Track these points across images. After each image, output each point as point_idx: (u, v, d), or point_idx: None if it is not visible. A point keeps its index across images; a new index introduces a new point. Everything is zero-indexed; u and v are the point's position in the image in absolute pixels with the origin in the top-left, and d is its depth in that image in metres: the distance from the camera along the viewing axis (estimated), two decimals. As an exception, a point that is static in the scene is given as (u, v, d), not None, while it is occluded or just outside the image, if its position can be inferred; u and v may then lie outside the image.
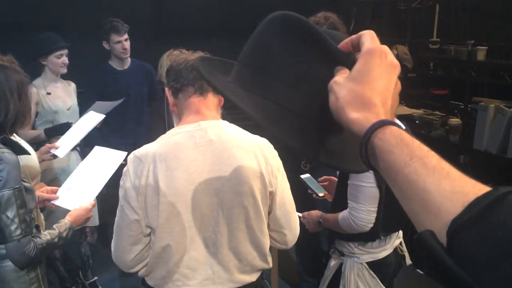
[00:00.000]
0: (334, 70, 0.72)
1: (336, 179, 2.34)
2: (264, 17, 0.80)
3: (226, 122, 1.68)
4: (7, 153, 1.90)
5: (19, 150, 2.01)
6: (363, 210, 1.94)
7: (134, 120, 3.91)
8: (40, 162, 2.65)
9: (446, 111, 4.37)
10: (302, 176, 2.51)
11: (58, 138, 3.13)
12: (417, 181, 0.54)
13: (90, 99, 3.64)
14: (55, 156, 2.82)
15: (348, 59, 0.71)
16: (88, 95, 3.73)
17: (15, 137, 2.50)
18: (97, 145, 3.40)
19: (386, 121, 0.61)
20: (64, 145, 2.84)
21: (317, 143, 0.75)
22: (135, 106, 3.88)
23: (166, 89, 1.70)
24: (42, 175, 3.08)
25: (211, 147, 1.59)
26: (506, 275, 0.44)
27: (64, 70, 3.41)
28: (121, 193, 1.60)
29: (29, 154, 2.25)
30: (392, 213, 1.94)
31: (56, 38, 3.37)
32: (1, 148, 1.92)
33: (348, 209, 2.00)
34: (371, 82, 0.65)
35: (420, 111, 4.42)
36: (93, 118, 2.97)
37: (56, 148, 2.81)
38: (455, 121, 3.79)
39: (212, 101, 1.68)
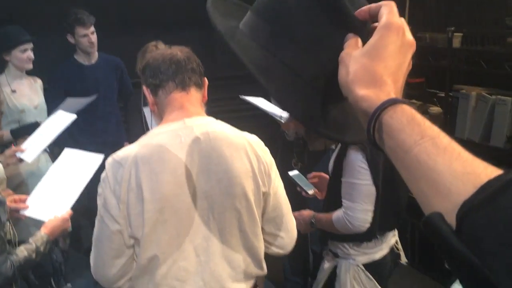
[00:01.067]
0: (346, 37, 0.69)
1: (327, 176, 2.24)
2: None
3: (212, 119, 1.55)
4: None
5: None
6: (360, 210, 1.84)
7: (104, 117, 3.73)
8: (5, 167, 2.46)
9: (423, 99, 4.33)
10: (290, 173, 2.40)
11: (26, 139, 2.94)
12: (427, 161, 0.53)
13: (56, 97, 3.46)
14: (21, 160, 2.62)
15: (363, 28, 0.69)
16: (54, 92, 3.54)
17: None
18: (65, 145, 3.23)
19: (398, 100, 0.59)
20: (32, 148, 2.64)
21: (318, 114, 0.73)
22: (104, 103, 3.69)
23: (144, 87, 1.56)
24: (8, 180, 2.88)
25: (198, 147, 1.46)
26: None
27: (30, 66, 3.20)
28: (99, 201, 1.45)
29: None
30: (389, 211, 1.85)
31: (20, 31, 3.15)
32: None
33: (342, 208, 1.90)
34: (385, 59, 0.63)
35: (398, 100, 4.35)
36: (63, 118, 2.78)
37: (22, 151, 2.62)
38: (435, 109, 3.76)
39: (195, 96, 1.55)
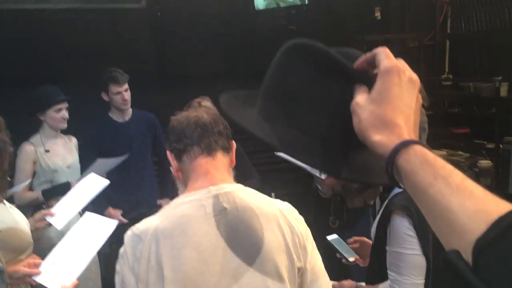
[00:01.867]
0: (354, 89, 0.72)
1: (369, 241, 2.06)
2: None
3: (240, 186, 1.42)
4: None
5: None
6: (408, 284, 1.63)
7: (137, 174, 3.66)
8: (32, 231, 2.39)
9: (470, 151, 4.11)
10: (329, 238, 2.22)
11: (58, 200, 2.88)
12: (442, 201, 0.55)
13: (90, 154, 3.43)
14: (50, 225, 2.54)
15: (365, 77, 0.72)
16: (87, 150, 3.51)
17: (5, 203, 2.25)
18: (98, 202, 3.14)
19: (409, 142, 0.61)
20: (62, 213, 2.56)
21: (342, 162, 0.76)
22: (138, 159, 3.63)
23: (168, 152, 1.47)
24: (37, 243, 2.81)
25: (225, 218, 1.33)
26: None
27: (64, 125, 3.18)
28: (117, 280, 1.32)
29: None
30: (442, 285, 1.64)
31: (55, 91, 3.15)
32: None
33: (389, 281, 1.70)
34: (391, 102, 0.65)
35: (443, 152, 4.15)
36: (96, 183, 2.70)
37: (52, 215, 2.54)
38: (484, 163, 3.52)
39: (222, 161, 1.44)
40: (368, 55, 0.72)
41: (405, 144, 0.61)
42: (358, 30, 5.05)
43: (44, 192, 3.02)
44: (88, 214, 2.28)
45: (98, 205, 3.51)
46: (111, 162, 3.13)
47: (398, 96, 0.66)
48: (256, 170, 3.31)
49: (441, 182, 0.56)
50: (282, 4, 4.64)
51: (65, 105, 3.15)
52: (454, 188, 0.55)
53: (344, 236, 2.96)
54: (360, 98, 0.69)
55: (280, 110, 0.79)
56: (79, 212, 3.02)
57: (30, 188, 3.11)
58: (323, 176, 2.92)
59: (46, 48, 4.10)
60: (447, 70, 5.32)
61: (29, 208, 3.07)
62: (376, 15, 5.47)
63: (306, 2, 4.67)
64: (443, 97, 4.90)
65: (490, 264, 0.48)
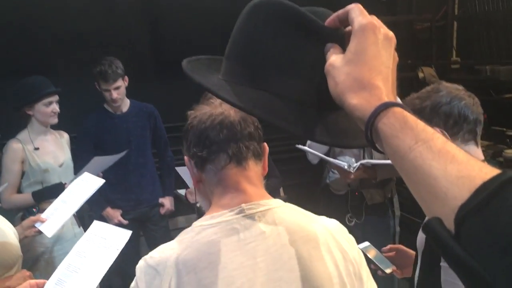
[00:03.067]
0: (325, 48, 0.68)
1: (406, 249, 1.81)
2: None
3: (279, 201, 1.15)
4: None
5: None
6: None
7: (137, 171, 3.39)
8: (21, 240, 2.12)
9: (490, 138, 3.87)
10: (360, 246, 1.95)
11: (50, 202, 2.60)
12: (423, 166, 0.53)
13: (84, 149, 3.18)
14: (41, 232, 2.27)
15: (337, 35, 0.69)
16: (82, 145, 3.25)
17: None
18: (94, 203, 2.84)
19: (388, 104, 0.59)
20: (53, 218, 2.29)
21: (316, 125, 0.72)
22: (137, 155, 3.36)
23: (186, 158, 1.19)
24: (29, 252, 2.54)
25: (264, 244, 1.06)
26: None
27: (55, 120, 2.87)
28: None
29: None
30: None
31: (44, 82, 2.83)
32: None
33: None
34: (368, 62, 0.62)
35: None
36: (90, 183, 2.42)
37: (43, 221, 2.27)
38: (510, 152, 3.27)
39: (254, 171, 1.16)
40: (340, 11, 0.67)
41: (385, 106, 0.58)
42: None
43: (35, 194, 2.74)
44: (97, 223, 2.00)
45: (95, 205, 3.25)
46: (109, 160, 2.85)
47: (375, 55, 0.62)
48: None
49: (422, 146, 0.54)
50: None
51: (55, 98, 2.84)
52: (435, 152, 0.53)
53: (365, 237, 2.72)
54: (335, 59, 0.66)
55: (248, 72, 0.73)
56: (73, 215, 2.76)
57: (19, 190, 2.83)
58: (352, 169, 2.65)
59: (35, 36, 3.78)
60: (455, 53, 5.10)
61: (18, 213, 2.80)
62: (381, -5, 5.22)
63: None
64: (456, 81, 4.64)
65: (473, 232, 0.47)
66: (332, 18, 0.69)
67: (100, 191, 3.03)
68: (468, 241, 0.48)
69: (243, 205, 1.09)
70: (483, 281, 0.46)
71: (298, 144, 2.82)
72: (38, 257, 2.71)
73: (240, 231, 1.06)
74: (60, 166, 2.91)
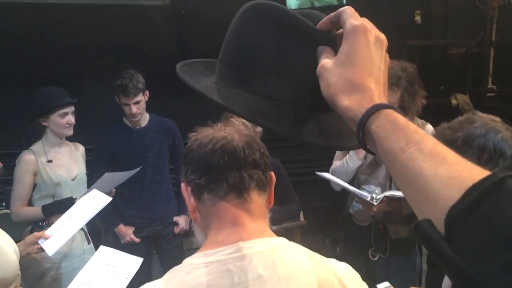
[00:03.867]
0: (317, 51, 0.69)
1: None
2: None
3: (283, 241, 1.02)
4: None
5: None
6: None
7: (152, 187, 3.28)
8: (23, 257, 2.03)
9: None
10: (380, 286, 1.80)
11: (60, 217, 2.52)
12: (414, 167, 0.54)
13: (100, 162, 3.11)
14: (43, 250, 2.17)
15: (328, 37, 0.69)
16: (98, 158, 3.18)
17: None
18: (107, 218, 2.74)
19: (380, 105, 0.59)
20: (56, 236, 2.19)
21: (307, 126, 0.72)
22: (153, 171, 3.26)
23: (183, 185, 1.07)
24: (34, 267, 2.45)
25: None
26: (504, 262, 0.44)
27: (70, 132, 2.79)
28: None
29: None
30: None
31: (60, 92, 2.76)
32: None
33: None
34: (360, 64, 0.63)
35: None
36: (97, 201, 2.32)
37: (47, 237, 2.17)
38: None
39: (257, 204, 1.04)
40: (332, 14, 0.68)
41: (376, 108, 0.59)
42: (398, 33, 4.65)
43: (44, 208, 2.66)
44: (103, 249, 1.90)
45: (108, 221, 3.16)
46: (120, 176, 2.76)
47: (366, 57, 0.63)
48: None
49: (413, 147, 0.54)
50: (317, 4, 4.24)
51: (71, 109, 2.77)
52: (426, 154, 0.53)
53: (388, 273, 2.53)
54: (326, 61, 0.66)
55: (240, 75, 0.73)
56: (82, 228, 2.67)
57: (30, 202, 2.75)
58: (375, 202, 2.49)
59: (56, 45, 3.78)
60: (491, 80, 4.91)
61: (27, 226, 2.72)
62: (416, 19, 5.08)
63: (344, 2, 4.26)
64: (491, 110, 4.43)
65: (463, 233, 0.48)
66: (324, 20, 0.70)
67: (114, 206, 2.95)
68: (459, 242, 0.48)
69: (240, 243, 0.96)
70: (472, 282, 0.46)
71: (319, 171, 2.67)
72: (44, 273, 2.62)
73: (235, 274, 0.93)
74: (73, 179, 2.83)
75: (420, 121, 2.72)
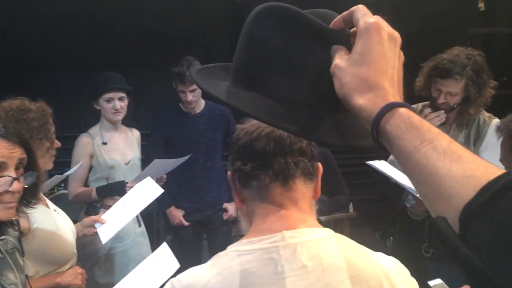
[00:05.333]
0: (331, 50, 0.68)
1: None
2: None
3: (329, 232, 0.99)
4: None
5: None
6: None
7: (204, 174, 3.32)
8: (80, 237, 2.11)
9: None
10: (431, 283, 1.74)
11: (113, 199, 2.60)
12: (428, 165, 0.53)
13: (156, 143, 3.21)
14: (97, 234, 2.24)
15: (342, 36, 0.69)
16: (154, 140, 3.27)
17: (48, 206, 1.98)
18: (161, 198, 2.79)
19: (394, 104, 0.59)
20: (111, 223, 2.24)
21: (323, 126, 0.72)
22: (205, 158, 3.30)
23: (229, 174, 1.07)
24: (89, 246, 2.54)
25: (305, 281, 0.91)
26: None
27: (116, 117, 2.83)
28: None
29: None
30: None
31: (110, 78, 2.81)
32: None
33: None
34: (374, 63, 0.62)
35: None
36: (150, 191, 2.36)
37: (102, 222, 2.24)
38: None
39: (302, 193, 1.01)
40: (345, 13, 0.68)
41: (390, 106, 0.59)
42: (460, 22, 4.45)
43: (98, 190, 2.75)
44: (164, 247, 2.00)
45: (161, 201, 3.21)
46: (169, 164, 2.81)
47: (380, 55, 0.62)
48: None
49: (427, 146, 0.54)
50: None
51: (117, 95, 2.79)
52: (440, 152, 0.53)
53: (440, 271, 2.44)
54: (340, 60, 0.66)
55: (255, 78, 0.73)
56: (137, 216, 2.75)
57: (86, 184, 2.85)
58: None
59: (117, 34, 3.89)
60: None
61: (83, 206, 2.83)
62: (479, 5, 4.84)
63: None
64: None
65: (477, 231, 0.48)
66: (337, 19, 0.70)
67: (168, 189, 3.01)
68: (473, 240, 0.48)
69: (285, 232, 0.95)
70: (486, 280, 0.46)
71: (370, 161, 2.60)
72: (98, 253, 2.71)
73: (278, 262, 0.92)
74: (127, 164, 2.90)
75: (487, 114, 2.56)
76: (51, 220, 1.89)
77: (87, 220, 2.25)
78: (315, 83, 0.71)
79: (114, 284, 1.96)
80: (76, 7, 3.87)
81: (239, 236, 1.03)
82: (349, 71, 0.63)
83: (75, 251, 1.98)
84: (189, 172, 3.23)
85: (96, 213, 2.58)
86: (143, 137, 3.15)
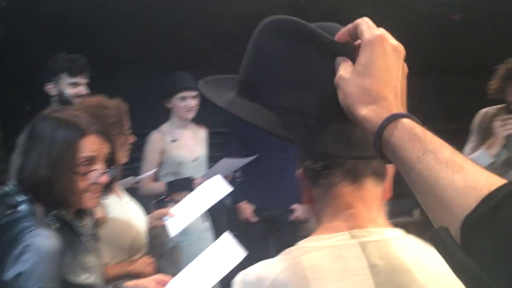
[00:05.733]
0: (335, 62, 0.70)
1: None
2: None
3: (399, 233, 0.99)
4: (40, 238, 1.33)
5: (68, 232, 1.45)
6: None
7: (275, 172, 3.30)
8: (149, 229, 2.20)
9: None
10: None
11: (180, 194, 2.69)
12: (430, 176, 0.54)
13: (233, 140, 3.28)
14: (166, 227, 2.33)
15: (348, 49, 0.70)
16: (231, 137, 3.34)
17: (120, 197, 2.07)
18: (234, 191, 2.83)
19: (397, 115, 0.60)
20: (179, 217, 2.32)
21: (327, 137, 0.73)
22: (278, 157, 3.27)
23: (298, 172, 1.08)
24: (158, 238, 2.64)
25: (374, 280, 0.91)
26: None
27: (189, 116, 2.95)
28: None
29: None
30: None
31: (182, 77, 2.93)
32: (35, 228, 1.33)
33: None
34: (377, 74, 0.63)
35: None
36: (219, 189, 2.42)
37: (171, 215, 2.33)
38: None
39: (372, 193, 1.01)
40: (349, 26, 0.69)
41: (393, 118, 0.59)
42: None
43: (167, 185, 2.86)
44: (226, 235, 2.05)
45: (234, 194, 3.24)
46: (237, 163, 2.87)
47: (384, 67, 0.63)
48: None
49: (430, 156, 0.54)
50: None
51: (190, 93, 2.91)
52: (442, 163, 0.53)
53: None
54: (344, 71, 0.67)
55: (260, 89, 0.75)
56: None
57: (156, 178, 2.98)
58: None
59: (188, 34, 4.00)
60: None
61: (153, 200, 2.95)
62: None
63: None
64: None
65: (479, 241, 0.47)
66: (341, 32, 0.70)
67: (242, 183, 3.05)
68: (475, 251, 0.48)
69: (355, 230, 0.95)
70: None
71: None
72: (165, 246, 2.82)
73: (348, 260, 0.93)
74: (194, 160, 2.99)
75: None
76: (123, 210, 1.99)
77: (156, 212, 2.35)
78: (320, 95, 0.72)
79: None
80: (150, 10, 4.03)
81: (305, 237, 1.05)
82: (353, 82, 0.65)
83: (145, 241, 2.08)
84: (261, 168, 3.22)
85: (165, 207, 2.68)
86: (216, 134, 3.23)
